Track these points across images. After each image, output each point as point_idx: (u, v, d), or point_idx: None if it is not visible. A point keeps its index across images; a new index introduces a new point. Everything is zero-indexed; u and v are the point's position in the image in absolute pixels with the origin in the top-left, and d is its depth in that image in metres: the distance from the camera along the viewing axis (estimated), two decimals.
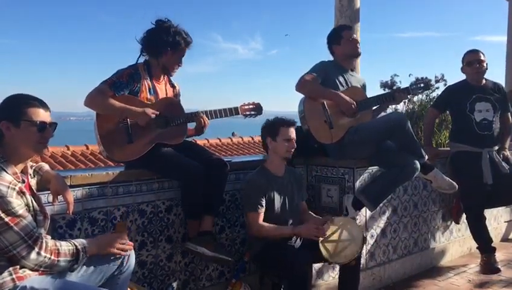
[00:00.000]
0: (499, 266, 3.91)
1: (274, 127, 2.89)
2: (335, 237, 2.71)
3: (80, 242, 1.96)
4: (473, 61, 3.91)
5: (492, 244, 4.01)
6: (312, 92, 3.36)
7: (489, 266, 3.93)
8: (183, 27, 2.86)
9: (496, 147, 3.92)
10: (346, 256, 2.70)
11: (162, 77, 2.94)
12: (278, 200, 2.85)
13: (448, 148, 4.23)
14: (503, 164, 3.87)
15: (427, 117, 4.28)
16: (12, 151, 1.87)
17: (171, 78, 3.02)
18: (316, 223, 2.80)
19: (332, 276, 3.41)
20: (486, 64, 3.92)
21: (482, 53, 3.93)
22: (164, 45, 2.79)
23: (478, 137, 3.85)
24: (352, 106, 3.30)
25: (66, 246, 1.91)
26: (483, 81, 3.98)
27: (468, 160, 3.88)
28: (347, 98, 3.31)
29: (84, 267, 2.00)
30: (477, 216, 3.99)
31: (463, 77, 4.02)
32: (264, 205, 2.79)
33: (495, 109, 3.89)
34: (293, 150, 2.88)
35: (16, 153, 1.89)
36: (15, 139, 1.86)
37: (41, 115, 1.90)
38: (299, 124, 3.48)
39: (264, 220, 2.79)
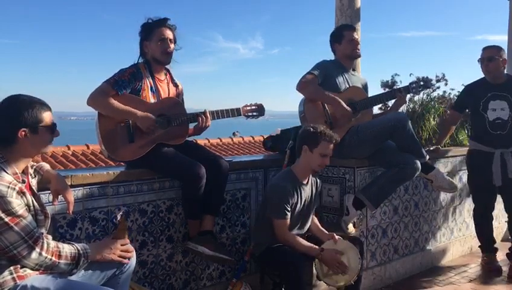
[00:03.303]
0: (500, 266, 3.91)
1: (315, 138, 2.76)
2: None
3: (82, 247, 1.96)
4: (481, 59, 3.77)
5: (495, 245, 4.01)
6: (311, 94, 3.36)
7: (490, 266, 3.93)
8: (158, 16, 2.88)
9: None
10: (337, 281, 2.70)
11: (164, 75, 2.95)
12: (299, 206, 2.83)
13: (450, 148, 4.23)
14: None
15: (446, 118, 4.23)
16: (19, 154, 1.88)
17: (173, 77, 3.03)
18: (319, 232, 2.86)
19: None
20: (502, 60, 3.74)
21: (496, 49, 3.75)
22: (141, 41, 2.87)
23: (491, 136, 3.74)
24: (348, 114, 3.28)
25: (68, 249, 1.91)
26: (504, 78, 3.79)
27: (480, 159, 3.81)
28: (345, 105, 3.28)
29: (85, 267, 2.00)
30: (483, 216, 3.97)
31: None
32: (290, 211, 2.75)
33: (511, 108, 3.72)
34: (324, 166, 2.84)
35: (23, 155, 1.90)
36: (30, 144, 1.87)
37: (51, 117, 1.95)
38: (299, 123, 3.49)
39: None
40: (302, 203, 2.86)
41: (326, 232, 2.96)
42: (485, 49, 3.78)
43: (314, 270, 2.83)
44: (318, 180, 3.04)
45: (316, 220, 3.06)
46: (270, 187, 2.90)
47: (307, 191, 2.89)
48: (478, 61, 3.80)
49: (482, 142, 3.81)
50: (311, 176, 2.94)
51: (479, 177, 3.80)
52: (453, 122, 4.15)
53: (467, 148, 4.41)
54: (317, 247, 2.73)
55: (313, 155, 2.77)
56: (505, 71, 3.90)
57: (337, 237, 2.81)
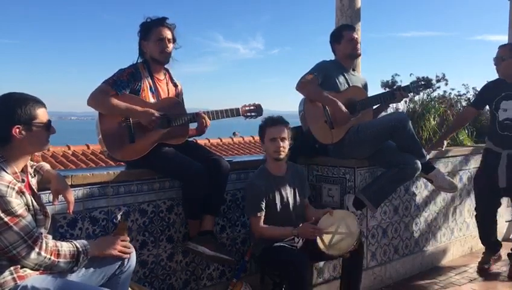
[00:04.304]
0: (491, 268, 3.93)
1: (261, 129, 2.90)
2: (332, 229, 2.72)
3: (81, 244, 1.96)
4: (495, 58, 3.71)
5: (497, 245, 4.00)
6: (311, 95, 3.36)
7: (486, 266, 3.93)
8: (156, 16, 2.88)
9: None
10: (341, 249, 2.71)
11: (163, 75, 2.95)
12: (279, 200, 2.85)
13: (450, 148, 4.24)
14: None
15: (460, 113, 4.19)
16: (17, 152, 1.88)
17: (173, 76, 3.03)
18: (316, 215, 2.87)
19: (334, 275, 3.41)
20: None
21: (506, 48, 3.67)
22: (140, 40, 2.87)
23: (499, 137, 3.70)
24: (347, 117, 3.27)
25: (66, 247, 1.91)
26: None
27: (489, 159, 3.80)
28: (343, 107, 3.26)
29: (85, 267, 2.00)
30: (485, 216, 3.96)
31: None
32: (264, 208, 2.79)
33: None
34: (282, 150, 2.82)
35: (21, 153, 1.90)
36: (26, 142, 1.87)
37: (46, 114, 1.93)
38: (299, 123, 3.49)
39: (267, 220, 2.80)
40: (284, 196, 2.88)
41: (321, 210, 2.97)
42: (499, 48, 3.72)
43: (315, 268, 2.83)
44: (298, 167, 3.08)
45: (311, 207, 3.08)
46: (246, 186, 2.95)
47: (287, 183, 2.91)
48: (493, 59, 3.74)
49: (493, 141, 3.77)
50: (287, 164, 2.96)
51: (486, 177, 3.76)
52: (467, 118, 4.10)
53: (468, 148, 4.42)
54: (289, 227, 2.77)
55: (266, 145, 2.87)
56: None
57: (332, 209, 2.84)
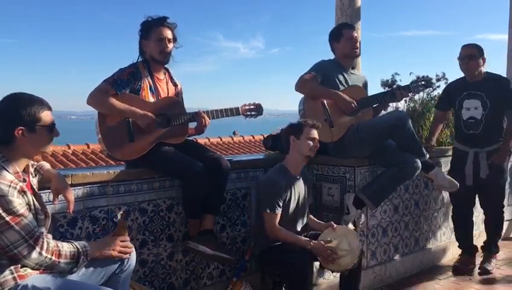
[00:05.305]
0: (472, 269, 3.91)
1: (298, 127, 2.91)
2: (333, 244, 2.72)
3: (82, 245, 1.96)
4: (461, 56, 3.72)
5: (472, 247, 4.01)
6: (311, 92, 3.36)
7: (461, 266, 3.93)
8: (157, 15, 2.88)
9: (489, 148, 3.70)
10: (341, 266, 2.73)
11: (163, 75, 2.95)
12: (293, 201, 2.85)
13: (450, 148, 4.24)
14: (485, 168, 3.68)
15: (433, 117, 4.26)
16: (18, 152, 1.88)
17: (173, 76, 3.03)
18: (317, 226, 2.91)
19: (334, 275, 3.41)
20: (483, 59, 3.69)
21: (475, 47, 3.70)
22: (140, 39, 2.87)
23: (465, 136, 3.79)
24: (352, 104, 3.30)
25: (67, 248, 1.91)
26: (481, 76, 3.72)
27: (457, 158, 3.87)
28: (346, 97, 3.30)
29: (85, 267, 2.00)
30: (460, 216, 4.00)
31: (463, 75, 3.95)
32: (281, 206, 2.78)
33: (485, 107, 3.64)
34: (315, 150, 2.89)
35: (23, 154, 1.90)
36: (28, 143, 1.87)
37: (51, 117, 1.94)
38: None
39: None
40: (297, 197, 2.88)
41: (323, 223, 3.00)
42: (463, 47, 3.74)
43: (315, 267, 2.83)
44: (306, 171, 3.08)
45: (310, 215, 3.09)
46: (263, 182, 2.92)
47: (300, 185, 2.91)
48: (457, 59, 3.76)
49: (460, 141, 3.86)
50: (301, 171, 2.96)
51: (455, 176, 3.70)
52: (438, 120, 4.15)
53: None
54: (306, 238, 2.77)
55: (301, 141, 2.86)
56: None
57: (334, 224, 2.87)
